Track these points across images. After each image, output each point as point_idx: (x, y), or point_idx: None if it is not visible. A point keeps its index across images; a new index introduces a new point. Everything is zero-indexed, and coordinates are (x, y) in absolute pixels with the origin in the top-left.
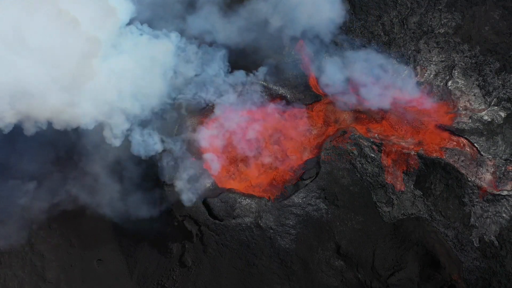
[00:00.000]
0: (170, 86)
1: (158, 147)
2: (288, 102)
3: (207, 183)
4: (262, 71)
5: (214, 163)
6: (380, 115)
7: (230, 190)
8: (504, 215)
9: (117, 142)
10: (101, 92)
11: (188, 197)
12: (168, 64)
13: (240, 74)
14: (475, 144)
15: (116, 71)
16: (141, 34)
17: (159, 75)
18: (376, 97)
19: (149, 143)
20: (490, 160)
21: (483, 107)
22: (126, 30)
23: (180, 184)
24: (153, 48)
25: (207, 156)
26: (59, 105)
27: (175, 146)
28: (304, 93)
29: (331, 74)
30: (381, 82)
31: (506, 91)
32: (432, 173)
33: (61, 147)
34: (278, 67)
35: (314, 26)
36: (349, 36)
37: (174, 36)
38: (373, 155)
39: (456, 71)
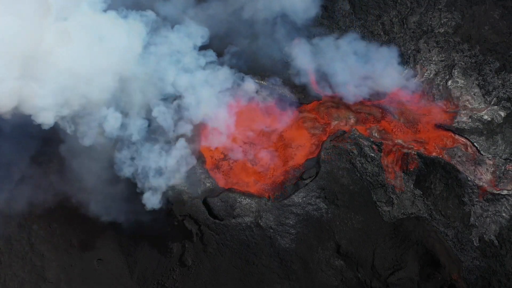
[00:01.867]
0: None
1: (115, 132)
2: (287, 101)
3: (177, 180)
4: (231, 50)
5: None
6: (380, 115)
7: (230, 190)
8: (504, 214)
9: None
10: (59, 78)
11: (151, 198)
12: (135, 42)
13: (210, 53)
14: (475, 143)
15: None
16: (105, 11)
17: (123, 54)
18: (353, 87)
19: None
20: (490, 159)
21: (483, 106)
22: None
23: (142, 181)
24: (116, 27)
25: (181, 144)
26: (17, 95)
27: (138, 130)
28: (304, 93)
29: (302, 61)
30: (359, 71)
31: (506, 91)
32: (432, 173)
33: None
34: (277, 66)
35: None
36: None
37: (147, 15)
38: (373, 154)
39: (456, 70)
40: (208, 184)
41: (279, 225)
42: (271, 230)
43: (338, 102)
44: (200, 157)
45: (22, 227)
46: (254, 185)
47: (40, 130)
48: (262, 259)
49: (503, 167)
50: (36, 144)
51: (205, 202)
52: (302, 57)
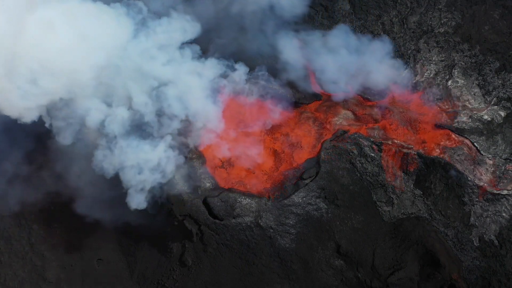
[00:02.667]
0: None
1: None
2: (286, 101)
3: (164, 178)
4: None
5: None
6: (380, 115)
7: (230, 190)
8: (504, 214)
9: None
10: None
11: (135, 198)
12: (122, 33)
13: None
14: (475, 143)
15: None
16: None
17: (109, 44)
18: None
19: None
20: (490, 159)
21: (483, 106)
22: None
23: (125, 179)
24: (103, 17)
25: (166, 139)
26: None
27: (120, 123)
28: (304, 93)
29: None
30: (352, 65)
31: (506, 91)
32: (432, 173)
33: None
34: (277, 67)
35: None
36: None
37: (136, 5)
38: (373, 154)
39: (456, 70)
40: (208, 184)
41: (279, 225)
42: (271, 230)
43: (338, 102)
44: (200, 157)
45: (22, 227)
46: (254, 186)
47: (36, 126)
48: (262, 259)
49: (503, 167)
50: (33, 141)
51: (205, 202)
52: (300, 55)
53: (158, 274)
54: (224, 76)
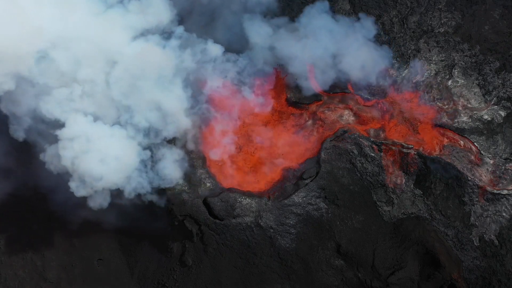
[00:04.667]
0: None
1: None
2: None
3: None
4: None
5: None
6: (380, 115)
7: (230, 190)
8: (504, 214)
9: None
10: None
11: (95, 199)
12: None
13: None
14: (475, 143)
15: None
16: None
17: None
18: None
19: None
20: (490, 159)
21: (483, 106)
22: None
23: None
24: None
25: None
26: None
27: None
28: (304, 93)
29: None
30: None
31: (506, 90)
32: (432, 173)
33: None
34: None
35: None
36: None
37: None
38: (373, 154)
39: (456, 70)
40: (208, 184)
41: (279, 225)
42: (272, 230)
43: (338, 102)
44: (200, 157)
45: (22, 227)
46: (255, 186)
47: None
48: (263, 259)
49: (503, 167)
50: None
51: (205, 202)
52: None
53: (158, 274)
54: (197, 56)
